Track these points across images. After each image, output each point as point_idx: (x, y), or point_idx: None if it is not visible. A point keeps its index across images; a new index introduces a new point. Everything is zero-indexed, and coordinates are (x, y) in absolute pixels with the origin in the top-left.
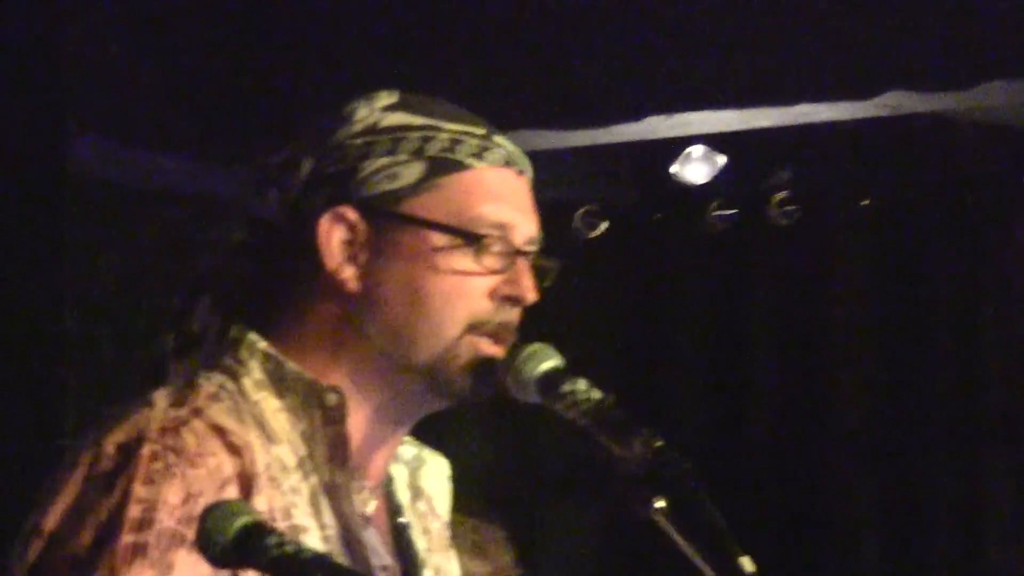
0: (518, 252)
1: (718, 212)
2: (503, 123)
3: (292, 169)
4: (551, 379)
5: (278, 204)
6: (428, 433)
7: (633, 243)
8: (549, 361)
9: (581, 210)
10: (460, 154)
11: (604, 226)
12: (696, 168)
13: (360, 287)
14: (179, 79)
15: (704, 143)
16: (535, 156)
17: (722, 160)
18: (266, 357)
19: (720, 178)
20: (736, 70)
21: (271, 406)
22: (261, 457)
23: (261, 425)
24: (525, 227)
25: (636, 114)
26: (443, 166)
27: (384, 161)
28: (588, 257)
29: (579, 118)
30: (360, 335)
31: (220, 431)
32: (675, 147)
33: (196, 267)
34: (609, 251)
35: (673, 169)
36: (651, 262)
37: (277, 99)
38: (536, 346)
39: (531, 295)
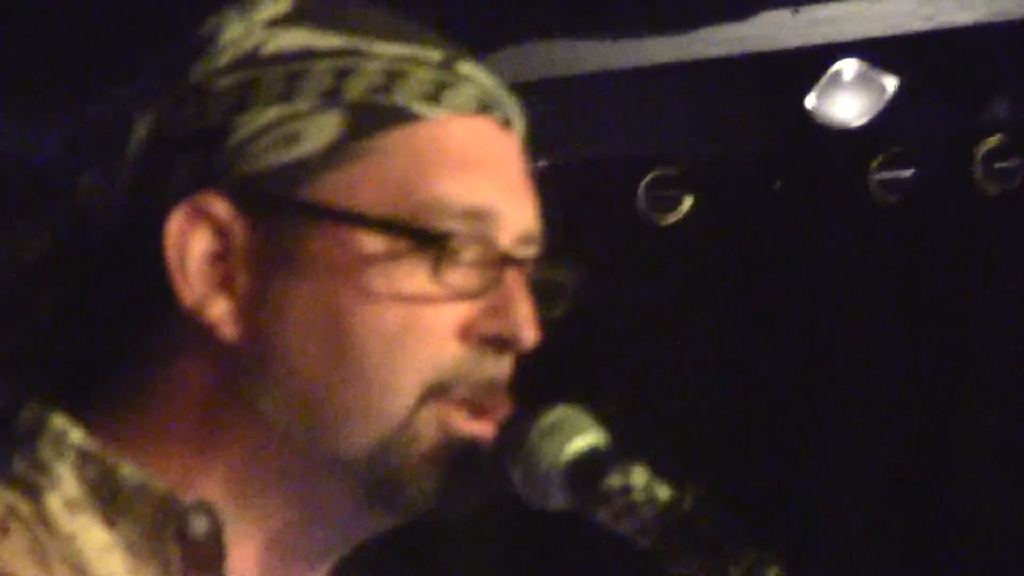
0: (506, 260)
1: (885, 173)
2: (508, 33)
3: (119, 134)
4: (588, 468)
5: (100, 193)
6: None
7: (739, 230)
8: (583, 436)
9: (647, 177)
10: (402, 96)
11: (687, 203)
12: (847, 100)
13: (241, 332)
14: None
15: (860, 55)
16: (564, 88)
17: (891, 84)
18: (84, 457)
19: (888, 116)
20: None
21: (95, 541)
22: None
23: (79, 574)
24: (516, 215)
25: (745, 9)
26: (374, 117)
27: (273, 113)
28: (659, 256)
29: (641, 18)
30: (246, 412)
31: None
32: (812, 64)
33: None
34: (697, 244)
35: (809, 102)
36: (770, 261)
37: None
38: (561, 411)
39: (529, 332)
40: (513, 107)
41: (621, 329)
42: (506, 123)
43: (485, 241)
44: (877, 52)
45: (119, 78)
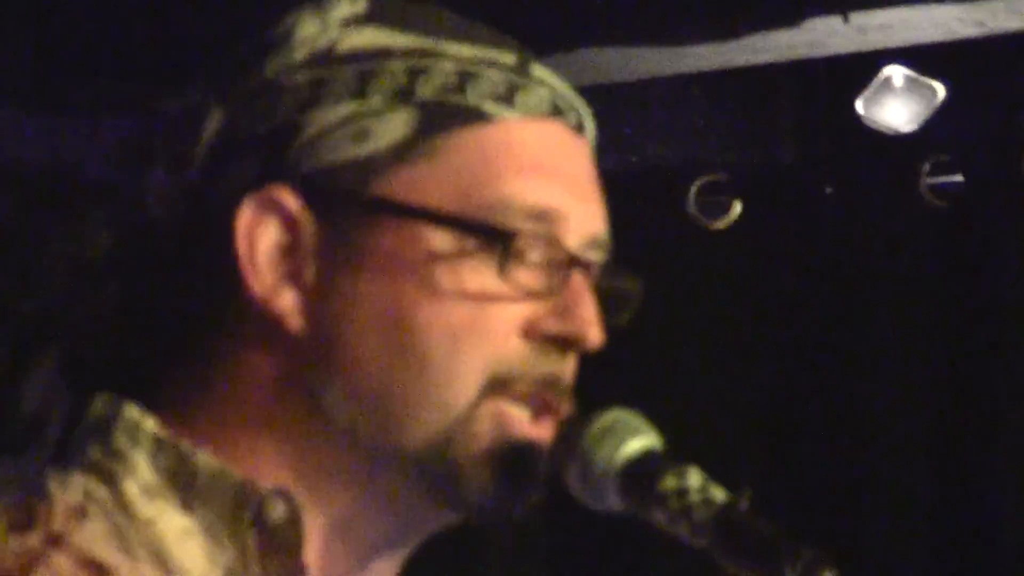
0: (572, 261)
1: (934, 178)
2: (558, 40)
3: (190, 130)
4: (643, 470)
5: (168, 189)
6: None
7: (789, 236)
8: (638, 439)
9: (697, 182)
10: (474, 96)
11: (737, 209)
12: (896, 106)
13: (308, 324)
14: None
15: (908, 64)
16: (614, 94)
17: (940, 91)
18: (159, 446)
19: (938, 122)
20: None
21: (174, 526)
22: None
23: (159, 558)
24: (584, 219)
25: (795, 15)
26: (446, 117)
27: (345, 109)
28: (710, 261)
29: (691, 25)
30: (311, 404)
31: (98, 570)
32: (861, 70)
33: (31, 298)
34: (748, 250)
35: (858, 107)
36: (820, 265)
37: (172, 25)
38: (616, 414)
39: (593, 333)
40: (585, 111)
41: (672, 335)
42: (578, 127)
43: (552, 242)
44: (927, 58)
45: (166, 80)
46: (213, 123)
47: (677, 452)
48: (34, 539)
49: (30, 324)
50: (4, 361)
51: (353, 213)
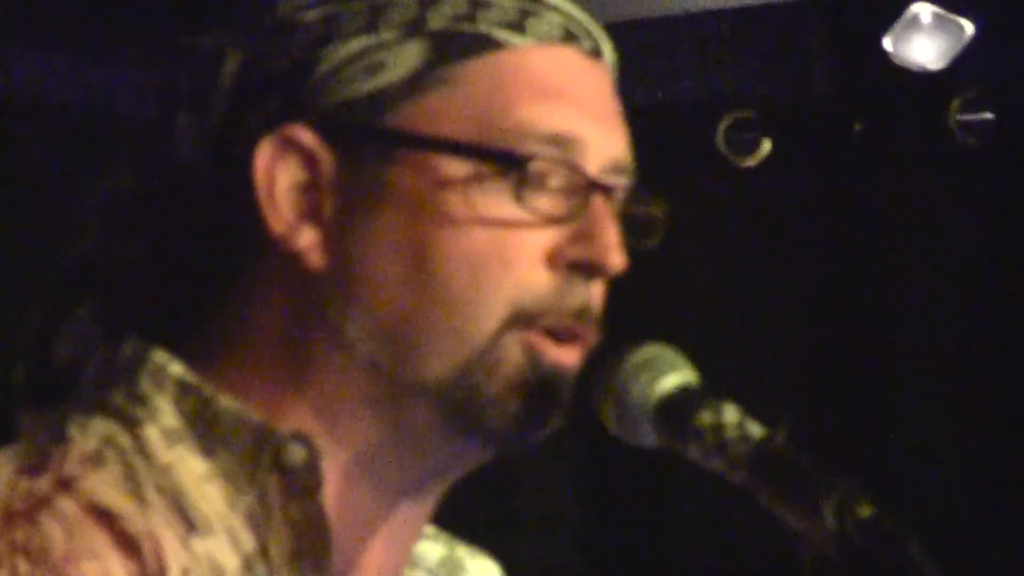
0: (593, 185)
1: (965, 115)
2: None
3: (209, 72)
4: (679, 406)
5: (193, 132)
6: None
7: (819, 173)
8: (673, 374)
9: (726, 119)
10: (485, 24)
11: (767, 146)
12: (924, 42)
13: (328, 260)
14: None
15: (936, 1)
16: (642, 30)
17: (968, 28)
18: (183, 389)
19: (967, 59)
20: None
21: (193, 471)
22: (176, 558)
23: (176, 504)
24: (604, 143)
25: None
26: (458, 45)
27: (357, 44)
28: (739, 198)
29: None
30: (332, 340)
31: (104, 516)
32: (889, 8)
33: (66, 249)
34: (777, 187)
35: (886, 44)
36: (852, 204)
37: None
38: (651, 349)
39: (616, 258)
40: (602, 37)
41: (702, 273)
42: (594, 52)
43: (570, 167)
44: None
45: (188, 23)
46: (230, 65)
47: (710, 388)
48: (43, 483)
49: (66, 274)
50: (40, 312)
51: (370, 147)
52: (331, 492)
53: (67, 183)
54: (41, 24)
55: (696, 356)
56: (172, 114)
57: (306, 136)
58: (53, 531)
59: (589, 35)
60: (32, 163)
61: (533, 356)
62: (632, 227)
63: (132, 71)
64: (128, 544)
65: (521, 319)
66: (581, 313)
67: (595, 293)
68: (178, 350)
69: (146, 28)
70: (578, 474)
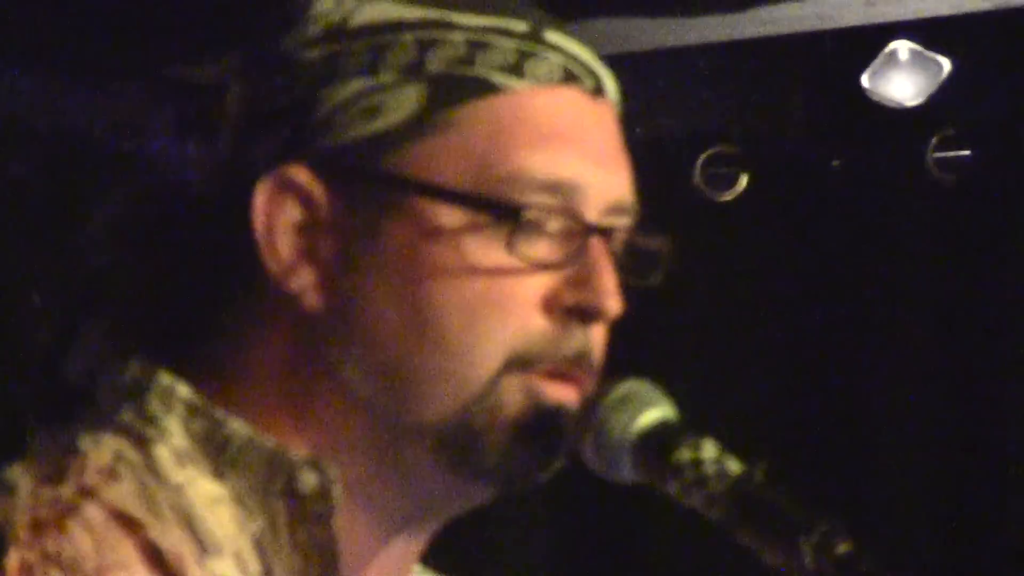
0: (589, 230)
1: (943, 152)
2: (564, 10)
3: (215, 104)
4: (658, 441)
5: (200, 163)
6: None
7: (796, 208)
8: (652, 409)
9: (704, 154)
10: (483, 67)
11: (743, 181)
12: (902, 79)
13: (325, 301)
14: None
15: (917, 37)
16: (626, 64)
17: (946, 65)
18: (192, 411)
19: (945, 96)
20: None
21: (204, 492)
22: (192, 574)
23: (188, 523)
24: (604, 186)
25: None
26: (455, 90)
27: (358, 85)
28: (716, 234)
29: None
30: (329, 380)
31: (129, 524)
32: (870, 43)
33: (80, 267)
34: (754, 222)
35: (864, 81)
36: (829, 240)
37: None
38: (630, 385)
39: (613, 303)
40: (605, 74)
41: (678, 306)
42: (596, 91)
43: (568, 213)
44: (936, 31)
45: (176, 49)
46: (235, 98)
47: (689, 423)
48: (66, 490)
49: (77, 294)
50: (50, 329)
51: (368, 190)
52: (340, 523)
53: (43, 206)
54: (16, 47)
55: (674, 391)
56: (183, 142)
57: (304, 177)
58: (83, 540)
59: (591, 73)
60: (9, 184)
61: (533, 396)
62: (637, 264)
63: (107, 96)
64: (153, 555)
65: (519, 364)
66: (579, 359)
67: (594, 338)
68: (183, 374)
69: (126, 54)
70: (555, 509)
